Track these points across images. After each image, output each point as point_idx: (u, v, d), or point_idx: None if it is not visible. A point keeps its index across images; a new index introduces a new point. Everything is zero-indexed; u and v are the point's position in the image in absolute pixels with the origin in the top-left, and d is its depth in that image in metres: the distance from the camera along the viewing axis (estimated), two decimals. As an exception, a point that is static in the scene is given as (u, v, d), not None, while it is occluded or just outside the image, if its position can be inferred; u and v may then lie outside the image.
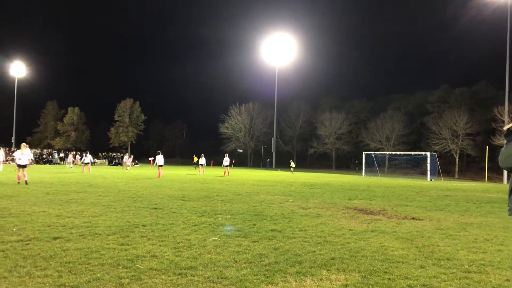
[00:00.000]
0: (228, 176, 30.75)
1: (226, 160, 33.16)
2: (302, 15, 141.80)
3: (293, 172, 46.51)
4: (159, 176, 26.43)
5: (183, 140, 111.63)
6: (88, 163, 32.77)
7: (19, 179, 17.70)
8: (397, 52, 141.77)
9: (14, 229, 7.14)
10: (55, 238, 6.51)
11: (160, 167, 28.19)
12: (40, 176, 22.67)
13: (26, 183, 17.01)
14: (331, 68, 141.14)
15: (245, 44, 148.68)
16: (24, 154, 18.15)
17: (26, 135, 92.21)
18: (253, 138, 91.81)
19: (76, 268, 4.97)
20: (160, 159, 28.23)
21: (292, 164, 50.04)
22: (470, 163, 70.78)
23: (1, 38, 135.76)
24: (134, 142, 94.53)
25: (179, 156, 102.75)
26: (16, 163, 17.91)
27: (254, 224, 8.43)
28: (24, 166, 17.81)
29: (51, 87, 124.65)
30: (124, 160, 42.76)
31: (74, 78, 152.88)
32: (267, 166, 63.53)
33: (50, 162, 52.57)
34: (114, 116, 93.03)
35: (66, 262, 5.18)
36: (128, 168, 42.53)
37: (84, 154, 37.52)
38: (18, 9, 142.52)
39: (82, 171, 32.02)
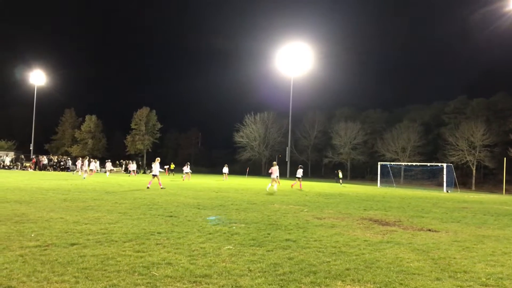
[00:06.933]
0: (300, 188, 28.09)
1: (298, 172, 29.80)
2: (318, 26, 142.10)
3: (343, 184, 42.13)
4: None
5: (198, 149, 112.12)
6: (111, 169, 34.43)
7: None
8: (414, 62, 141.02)
9: (32, 235, 7.26)
10: (72, 244, 6.60)
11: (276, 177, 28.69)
12: (58, 183, 22.97)
13: None
14: (346, 78, 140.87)
15: (260, 54, 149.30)
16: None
17: (44, 142, 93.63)
18: (268, 147, 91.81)
19: (92, 274, 5.04)
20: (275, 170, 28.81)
21: (340, 174, 44.47)
22: (488, 175, 69.73)
23: (22, 48, 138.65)
24: (150, 150, 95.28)
25: (193, 164, 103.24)
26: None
27: (269, 234, 8.42)
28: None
29: (69, 95, 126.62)
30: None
31: (92, 86, 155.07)
32: None
33: (67, 169, 53.19)
34: (131, 124, 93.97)
35: (83, 268, 5.26)
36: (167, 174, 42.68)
37: (93, 161, 38.48)
38: (38, 19, 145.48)
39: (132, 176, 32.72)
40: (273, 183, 23.78)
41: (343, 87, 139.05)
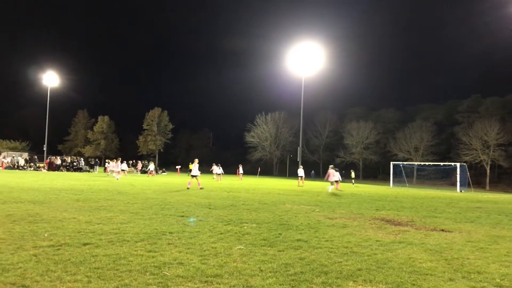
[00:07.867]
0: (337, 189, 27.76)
1: (336, 175, 28.29)
2: (329, 25, 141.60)
3: (355, 184, 42.92)
4: (336, 187, 27.58)
5: (209, 149, 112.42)
6: (124, 170, 35.34)
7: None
8: (427, 61, 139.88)
9: (45, 235, 7.32)
10: (84, 244, 6.64)
11: (336, 182, 28.45)
12: (71, 183, 23.17)
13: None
14: (358, 77, 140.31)
15: (271, 54, 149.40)
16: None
17: (58, 143, 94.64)
18: (279, 147, 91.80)
19: (104, 274, 5.07)
20: (336, 174, 28.65)
21: (352, 174, 46.49)
22: (502, 175, 68.95)
23: (35, 50, 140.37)
24: (161, 150, 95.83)
25: (205, 164, 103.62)
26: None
27: (280, 234, 8.41)
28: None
29: (81, 96, 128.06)
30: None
31: (104, 87, 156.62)
32: (312, 177, 62.77)
33: (80, 169, 53.62)
34: (143, 125, 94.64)
35: (95, 268, 5.29)
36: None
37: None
38: (51, 22, 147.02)
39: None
40: (333, 185, 25.63)
41: (354, 86, 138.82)
